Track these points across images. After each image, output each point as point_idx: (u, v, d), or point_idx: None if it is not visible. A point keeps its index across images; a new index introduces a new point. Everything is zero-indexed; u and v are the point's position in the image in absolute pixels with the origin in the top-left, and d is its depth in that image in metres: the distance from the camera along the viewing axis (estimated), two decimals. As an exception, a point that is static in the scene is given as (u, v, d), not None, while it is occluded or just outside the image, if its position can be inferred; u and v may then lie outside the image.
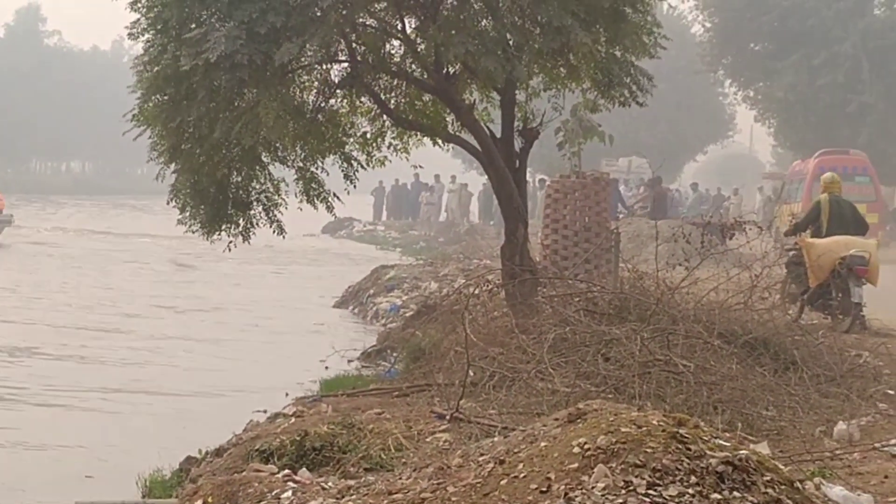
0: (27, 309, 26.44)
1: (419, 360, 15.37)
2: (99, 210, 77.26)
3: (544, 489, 6.08)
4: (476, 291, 15.47)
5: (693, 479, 5.98)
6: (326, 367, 17.66)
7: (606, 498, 5.86)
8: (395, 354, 17.81)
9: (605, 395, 10.08)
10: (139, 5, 14.60)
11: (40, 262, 38.62)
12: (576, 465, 6.17)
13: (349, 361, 18.47)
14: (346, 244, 54.54)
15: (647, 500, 5.84)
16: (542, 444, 6.59)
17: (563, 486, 6.03)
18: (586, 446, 6.27)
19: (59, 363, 19.72)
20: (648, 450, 6.14)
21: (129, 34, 15.07)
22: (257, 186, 16.27)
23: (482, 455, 7.00)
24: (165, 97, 14.85)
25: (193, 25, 13.93)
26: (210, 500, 8.48)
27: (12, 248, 42.23)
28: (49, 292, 30.14)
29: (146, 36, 14.83)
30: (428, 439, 9.79)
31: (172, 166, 15.77)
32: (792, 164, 45.49)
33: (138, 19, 14.78)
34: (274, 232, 16.47)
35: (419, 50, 15.39)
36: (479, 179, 55.29)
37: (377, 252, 47.01)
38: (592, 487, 5.95)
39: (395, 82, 16.41)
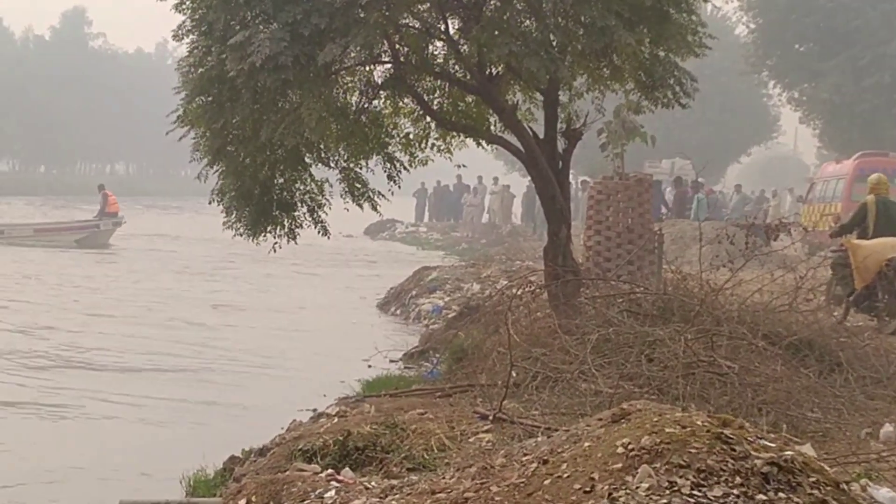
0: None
1: (462, 360, 15.35)
2: (162, 212, 77.59)
3: (588, 489, 6.06)
4: (519, 292, 15.43)
5: (738, 479, 5.95)
6: (370, 366, 17.72)
7: (651, 498, 5.83)
8: (437, 355, 17.80)
9: (648, 396, 10.05)
10: (184, 7, 14.67)
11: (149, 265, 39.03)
12: (620, 465, 6.15)
13: (391, 361, 18.50)
14: (388, 245, 54.64)
15: (692, 500, 5.81)
16: (586, 444, 6.56)
17: (606, 486, 6.01)
18: (630, 447, 6.24)
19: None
20: (693, 450, 6.11)
21: (174, 36, 15.14)
22: (301, 187, 16.33)
23: (525, 455, 6.99)
24: (209, 99, 14.90)
25: (238, 28, 13.96)
26: (254, 498, 8.49)
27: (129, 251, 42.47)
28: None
29: (191, 38, 14.90)
30: (471, 439, 9.78)
31: (215, 167, 15.84)
32: (822, 165, 45.24)
33: (183, 21, 14.85)
34: (318, 232, 16.52)
35: (462, 51, 15.40)
36: (521, 181, 55.27)
37: (419, 253, 47.04)
38: (636, 488, 5.92)
39: (438, 83, 16.41)
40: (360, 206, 16.53)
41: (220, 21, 14.06)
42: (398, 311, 27.57)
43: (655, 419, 6.50)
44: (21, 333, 22.72)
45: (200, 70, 14.70)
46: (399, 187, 16.48)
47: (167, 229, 57.48)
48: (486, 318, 16.67)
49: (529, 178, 19.72)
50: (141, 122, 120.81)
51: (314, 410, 14.09)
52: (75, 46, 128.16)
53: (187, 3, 14.60)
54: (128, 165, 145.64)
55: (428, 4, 14.86)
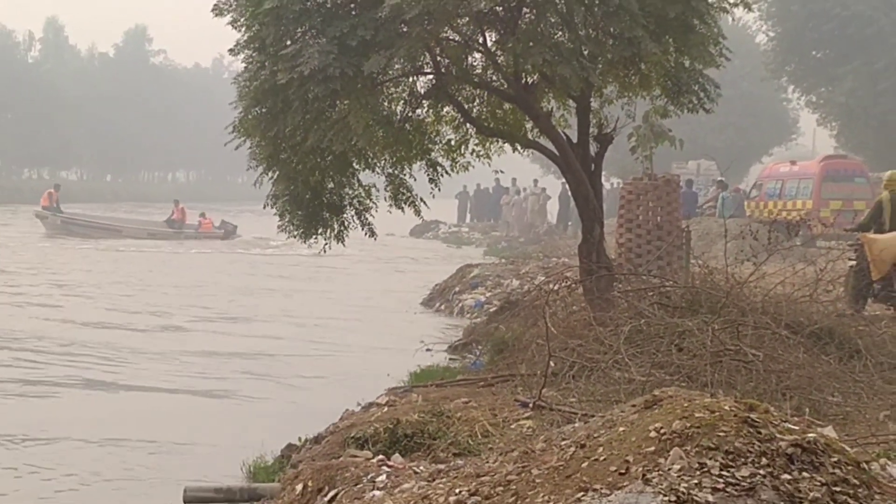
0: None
1: (503, 352, 15.35)
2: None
3: (623, 471, 6.05)
4: (555, 287, 15.43)
5: (764, 460, 5.93)
6: (428, 350, 17.76)
7: (682, 479, 5.82)
8: (479, 347, 17.79)
9: (678, 384, 10.02)
10: (239, 24, 14.76)
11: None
12: (652, 448, 6.14)
13: (430, 353, 18.51)
14: (432, 245, 54.68)
15: (721, 480, 5.80)
16: (621, 428, 6.56)
17: (640, 468, 6.00)
18: (662, 431, 6.24)
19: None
20: (721, 433, 6.10)
21: (230, 51, 15.29)
22: (349, 192, 16.44)
23: (564, 440, 6.99)
24: (263, 109, 15.01)
25: (289, 42, 14.05)
26: (310, 483, 8.52)
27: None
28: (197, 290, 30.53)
29: (245, 53, 15.00)
30: (512, 426, 9.78)
31: (270, 174, 15.95)
32: (769, 166, 45.04)
33: (238, 38, 14.97)
34: (365, 234, 16.60)
35: (499, 61, 15.42)
36: (556, 183, 55.19)
37: (462, 252, 47.03)
38: (669, 469, 5.91)
39: (478, 92, 16.46)
40: (403, 209, 16.62)
41: (272, 36, 14.17)
42: (442, 307, 27.55)
43: (685, 405, 6.49)
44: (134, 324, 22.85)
45: (255, 83, 14.81)
46: (439, 190, 16.52)
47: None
48: (525, 312, 16.69)
49: (564, 180, 19.71)
50: (199, 132, 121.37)
51: (363, 402, 14.12)
52: (137, 63, 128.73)
53: (242, 20, 14.70)
54: (188, 173, 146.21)
55: (467, 18, 14.88)
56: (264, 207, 16.73)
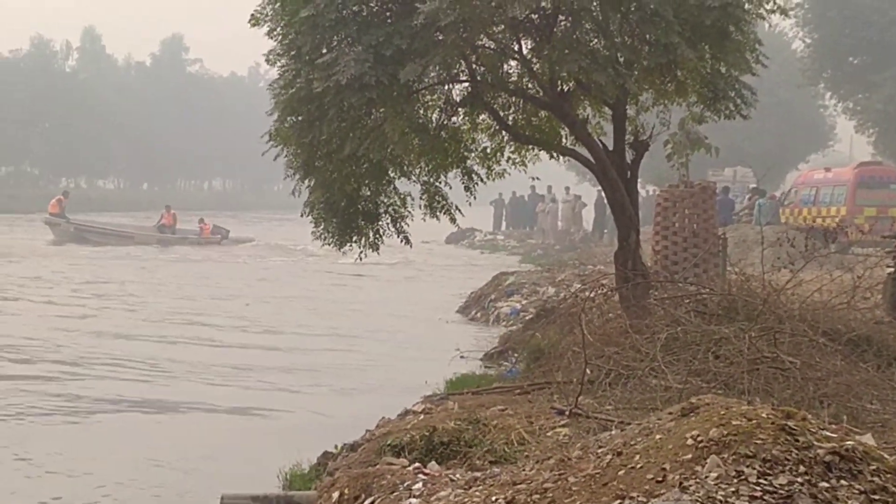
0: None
1: (539, 359, 15.36)
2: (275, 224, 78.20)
3: (660, 479, 6.05)
4: (592, 295, 15.41)
5: (801, 468, 5.92)
6: (463, 358, 17.76)
7: (719, 487, 5.82)
8: (515, 355, 17.81)
9: (715, 391, 9.99)
10: (275, 33, 14.82)
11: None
12: (689, 456, 6.13)
13: (466, 360, 18.53)
14: (468, 252, 54.72)
15: (758, 488, 5.79)
16: (657, 436, 6.55)
17: (677, 476, 6.00)
18: (699, 438, 6.23)
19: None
20: (758, 441, 6.09)
21: (266, 60, 15.30)
22: (385, 200, 16.45)
23: (601, 447, 6.98)
24: (299, 118, 15.04)
25: (325, 51, 14.09)
26: (346, 491, 8.54)
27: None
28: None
29: (282, 61, 15.05)
30: (548, 434, 9.77)
31: (306, 182, 15.98)
32: (803, 172, 44.88)
33: (274, 46, 15.00)
34: (401, 242, 16.63)
35: (535, 69, 15.42)
36: (592, 191, 55.16)
37: (497, 259, 47.03)
38: (706, 477, 5.91)
39: (513, 100, 16.44)
40: (438, 217, 16.64)
41: (308, 45, 14.19)
42: (478, 314, 27.57)
43: (723, 412, 6.48)
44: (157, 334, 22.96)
45: (290, 91, 14.84)
46: (474, 198, 16.52)
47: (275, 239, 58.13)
48: (561, 320, 16.70)
49: (600, 187, 19.70)
50: (235, 140, 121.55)
51: (406, 410, 14.14)
52: (174, 71, 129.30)
53: (278, 29, 14.75)
54: (224, 182, 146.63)
55: (502, 26, 14.88)
56: (302, 216, 16.76)
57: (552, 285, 27.81)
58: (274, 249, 52.35)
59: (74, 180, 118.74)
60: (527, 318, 22.94)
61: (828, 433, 6.33)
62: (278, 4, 14.66)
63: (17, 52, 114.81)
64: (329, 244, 16.68)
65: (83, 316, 26.26)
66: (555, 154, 17.20)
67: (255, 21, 14.96)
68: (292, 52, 14.69)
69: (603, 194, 26.32)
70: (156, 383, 18.23)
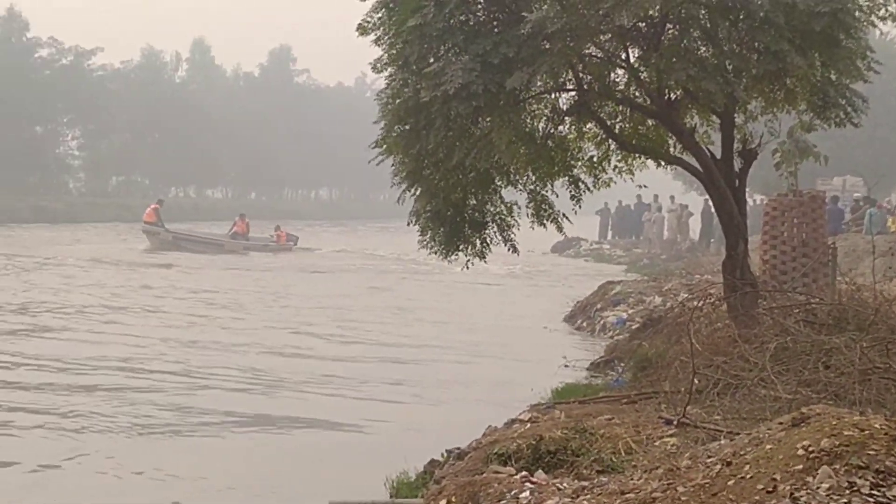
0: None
1: (646, 369, 15.30)
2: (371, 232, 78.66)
3: (770, 489, 6.00)
4: (699, 304, 15.32)
5: (915, 480, 5.85)
6: (567, 366, 17.66)
7: (831, 498, 5.76)
8: (622, 364, 17.75)
9: (825, 402, 9.87)
10: (382, 42, 14.91)
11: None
12: (800, 466, 6.08)
13: (573, 368, 18.50)
14: (573, 262, 54.64)
15: (871, 500, 5.72)
16: (768, 446, 6.50)
17: (788, 487, 5.95)
18: (810, 449, 6.17)
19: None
20: (871, 452, 6.02)
21: (373, 68, 15.41)
22: (492, 209, 16.48)
23: (710, 457, 6.95)
24: (406, 127, 15.12)
25: (432, 60, 14.14)
26: (454, 499, 8.55)
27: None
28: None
29: (389, 70, 15.14)
30: (656, 443, 9.72)
31: (413, 191, 16.06)
32: None
33: (382, 55, 15.09)
34: (508, 250, 16.63)
35: (642, 77, 15.36)
36: (698, 200, 54.77)
37: (603, 269, 46.89)
38: (817, 488, 5.85)
39: (620, 108, 16.39)
40: (545, 226, 16.61)
41: (415, 54, 14.26)
42: (584, 324, 27.50)
43: (834, 422, 6.42)
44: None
45: (398, 100, 14.95)
46: (581, 207, 16.51)
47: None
48: (668, 329, 16.63)
49: (706, 196, 19.57)
50: (342, 150, 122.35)
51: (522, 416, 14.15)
52: (281, 82, 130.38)
53: (386, 38, 14.84)
54: (330, 191, 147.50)
55: (609, 35, 14.84)
56: (408, 225, 16.84)
57: (659, 295, 27.64)
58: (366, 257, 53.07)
59: (183, 189, 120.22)
60: (633, 327, 22.85)
61: (942, 445, 6.24)
62: (386, 14, 14.75)
63: (127, 63, 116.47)
64: (435, 253, 16.72)
65: (188, 325, 26.52)
66: (662, 163, 17.12)
67: (362, 30, 15.07)
68: (400, 62, 14.78)
69: (710, 203, 26.13)
70: (263, 393, 18.40)
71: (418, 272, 43.99)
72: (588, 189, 16.62)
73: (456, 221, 16.31)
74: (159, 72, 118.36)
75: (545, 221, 16.54)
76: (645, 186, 21.69)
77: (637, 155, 16.75)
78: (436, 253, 16.79)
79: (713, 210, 18.55)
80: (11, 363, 20.05)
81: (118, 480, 12.96)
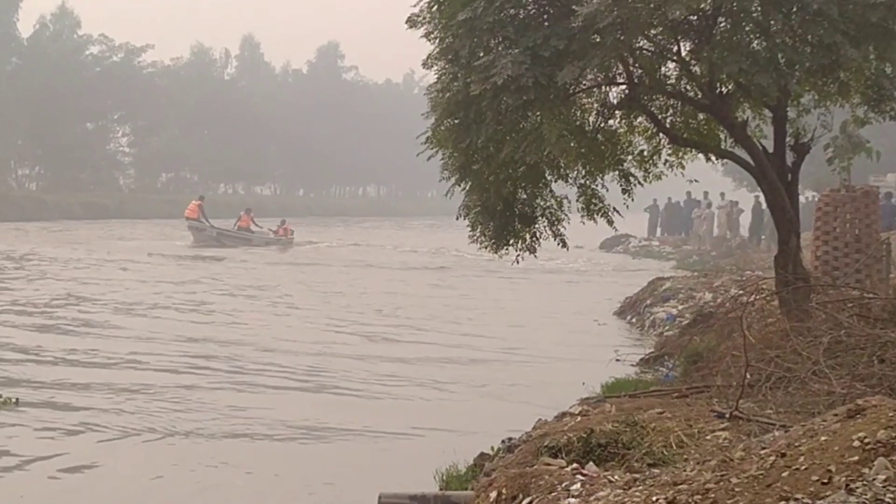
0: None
1: (696, 364, 15.23)
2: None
3: (825, 481, 5.96)
4: (751, 299, 15.23)
5: (972, 471, 5.80)
6: (618, 360, 17.60)
7: (887, 489, 5.71)
8: (672, 359, 17.70)
9: (881, 396, 9.80)
10: (432, 37, 14.91)
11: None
12: (856, 458, 6.04)
13: (622, 363, 18.48)
14: (622, 258, 54.65)
15: (928, 492, 5.68)
16: (822, 438, 6.46)
17: (843, 478, 5.91)
18: (866, 440, 6.13)
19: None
20: (928, 444, 5.98)
21: (423, 63, 15.42)
22: (542, 203, 16.43)
23: (763, 449, 6.91)
24: (456, 121, 15.10)
25: (482, 54, 14.11)
26: (504, 490, 8.54)
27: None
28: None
29: (439, 65, 15.13)
30: (708, 437, 9.67)
31: (462, 185, 16.05)
32: None
33: (432, 50, 15.11)
34: (558, 245, 16.59)
35: (694, 71, 15.28)
36: (748, 196, 54.57)
37: (652, 265, 46.82)
38: (873, 479, 5.81)
39: (671, 102, 16.30)
40: (595, 219, 16.57)
41: (465, 48, 14.23)
42: (634, 319, 27.52)
43: (890, 414, 6.38)
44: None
45: (448, 94, 14.93)
46: (633, 200, 16.45)
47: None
48: (719, 325, 16.53)
49: (757, 192, 19.48)
50: (389, 147, 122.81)
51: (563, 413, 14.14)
52: (330, 79, 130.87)
53: (435, 32, 14.84)
54: (378, 188, 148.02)
55: (661, 28, 14.77)
56: (457, 219, 16.85)
57: (709, 291, 27.53)
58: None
59: (232, 186, 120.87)
60: (683, 323, 22.82)
61: None
62: (436, 7, 14.75)
63: (177, 60, 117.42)
64: (485, 247, 16.71)
65: (241, 323, 26.67)
66: (712, 158, 17.04)
67: (412, 23, 15.07)
68: (449, 55, 14.76)
69: (760, 199, 25.98)
70: (322, 374, 18.60)
71: (465, 267, 44.10)
72: (639, 183, 16.57)
73: (506, 216, 16.28)
74: (208, 69, 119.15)
75: (595, 216, 16.49)
76: (696, 181, 21.62)
77: (688, 149, 16.68)
78: (485, 247, 16.77)
79: (764, 206, 18.45)
80: (83, 361, 20.28)
81: (174, 482, 13.06)
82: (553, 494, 8.07)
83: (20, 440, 14.25)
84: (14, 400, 16.08)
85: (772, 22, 14.03)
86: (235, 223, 58.88)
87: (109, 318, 26.08)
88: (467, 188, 16.09)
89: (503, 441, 12.23)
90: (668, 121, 16.37)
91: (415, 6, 15.02)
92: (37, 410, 15.87)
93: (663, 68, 15.85)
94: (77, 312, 27.05)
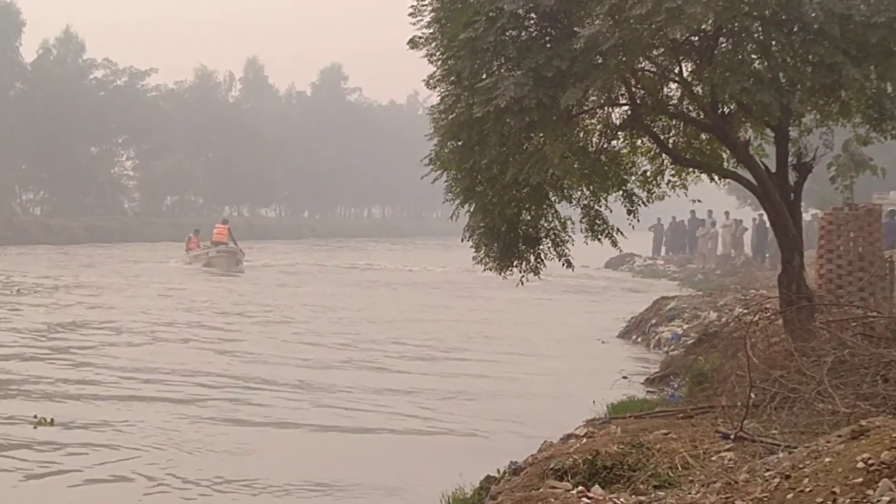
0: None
1: (702, 384, 15.22)
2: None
3: (830, 502, 5.96)
4: (755, 319, 15.22)
5: (977, 492, 5.79)
6: (625, 378, 17.55)
7: (892, 511, 5.71)
8: (678, 379, 17.69)
9: (884, 415, 9.79)
10: (435, 58, 14.94)
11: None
12: (860, 479, 6.04)
13: (628, 382, 18.46)
14: (627, 277, 54.66)
15: (932, 513, 5.68)
16: (826, 459, 6.46)
17: (848, 500, 5.90)
18: (870, 462, 6.13)
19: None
20: (932, 464, 5.97)
21: (426, 84, 15.44)
22: (546, 224, 16.46)
23: (768, 471, 6.91)
24: (460, 142, 15.14)
25: (484, 75, 14.14)
26: (510, 514, 8.55)
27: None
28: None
29: (441, 86, 15.15)
30: (713, 458, 9.66)
31: (467, 206, 16.07)
32: None
33: (434, 71, 15.12)
34: (563, 265, 16.62)
35: (696, 91, 15.32)
36: (752, 215, 54.59)
37: (657, 284, 46.79)
38: (877, 501, 5.80)
39: (673, 123, 16.35)
40: (600, 240, 16.59)
41: (467, 69, 14.26)
42: (639, 339, 27.48)
43: (894, 435, 6.37)
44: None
45: (451, 116, 14.95)
46: (638, 220, 16.47)
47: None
48: (724, 344, 16.53)
49: (760, 211, 19.50)
50: (394, 168, 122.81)
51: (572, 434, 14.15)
52: (333, 100, 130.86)
53: (437, 53, 14.87)
54: (384, 209, 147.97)
55: (663, 49, 14.81)
56: (462, 241, 16.88)
57: (713, 310, 27.52)
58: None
59: (237, 208, 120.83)
60: (688, 342, 22.79)
61: None
62: (438, 28, 14.77)
63: (181, 83, 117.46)
64: (490, 269, 16.73)
65: (245, 339, 26.72)
66: (715, 177, 17.07)
67: (413, 44, 15.10)
68: (452, 77, 14.78)
69: (764, 218, 25.99)
70: (324, 407, 18.48)
71: (467, 286, 44.16)
72: (643, 203, 16.59)
73: (510, 237, 16.31)
74: (213, 92, 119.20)
75: (599, 236, 16.51)
76: (699, 201, 21.63)
77: (691, 169, 16.70)
78: (490, 269, 16.79)
79: (767, 225, 18.44)
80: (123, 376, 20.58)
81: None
82: (559, 517, 8.08)
83: (55, 455, 14.46)
84: (49, 420, 16.21)
85: (773, 42, 14.06)
86: (186, 245, 58.38)
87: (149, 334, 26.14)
88: (472, 209, 16.11)
89: (509, 463, 12.19)
90: (670, 141, 16.41)
91: (415, 24, 15.05)
92: (72, 432, 15.99)
93: (665, 89, 15.90)
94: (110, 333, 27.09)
